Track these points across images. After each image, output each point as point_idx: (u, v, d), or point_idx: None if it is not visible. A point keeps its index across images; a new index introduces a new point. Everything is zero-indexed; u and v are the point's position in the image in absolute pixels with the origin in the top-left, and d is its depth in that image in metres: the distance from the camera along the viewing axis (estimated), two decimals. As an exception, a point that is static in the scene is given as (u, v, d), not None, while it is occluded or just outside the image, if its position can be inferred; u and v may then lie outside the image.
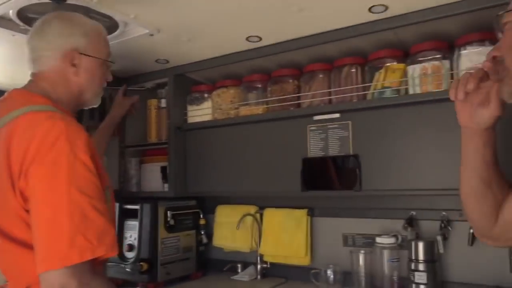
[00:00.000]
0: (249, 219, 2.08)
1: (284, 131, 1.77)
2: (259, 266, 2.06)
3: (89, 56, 1.25)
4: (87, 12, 1.40)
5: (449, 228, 1.64)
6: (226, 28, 1.56)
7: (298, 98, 1.76)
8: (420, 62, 1.47)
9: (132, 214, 1.98)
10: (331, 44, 1.61)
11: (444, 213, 1.65)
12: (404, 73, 1.52)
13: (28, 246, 1.03)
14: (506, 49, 0.80)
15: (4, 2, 1.30)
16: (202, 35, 1.62)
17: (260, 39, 1.65)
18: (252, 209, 2.10)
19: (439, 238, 1.62)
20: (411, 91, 1.49)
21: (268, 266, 2.06)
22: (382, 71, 1.55)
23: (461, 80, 0.93)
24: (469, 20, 1.37)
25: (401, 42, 1.57)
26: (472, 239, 1.56)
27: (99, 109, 2.06)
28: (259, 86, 1.88)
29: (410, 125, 1.50)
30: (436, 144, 1.45)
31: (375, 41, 1.58)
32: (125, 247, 1.96)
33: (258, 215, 2.09)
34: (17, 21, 1.42)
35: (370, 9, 1.38)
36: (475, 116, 0.95)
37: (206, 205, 2.23)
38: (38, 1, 1.29)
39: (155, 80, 2.09)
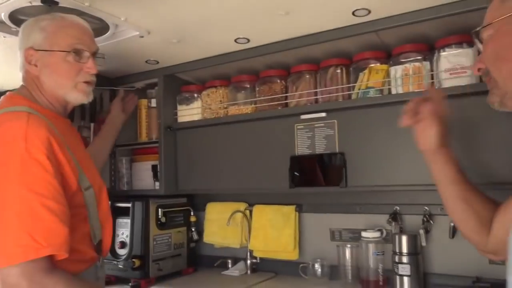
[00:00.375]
0: (238, 215, 2.12)
1: (272, 129, 1.81)
2: (249, 261, 2.10)
3: (45, 51, 1.21)
4: (79, 14, 1.42)
5: (431, 222, 1.69)
6: (215, 30, 1.59)
7: (286, 98, 1.80)
8: (402, 63, 1.52)
9: (124, 212, 2.01)
10: (317, 46, 1.66)
11: (426, 207, 1.71)
12: (387, 74, 1.57)
13: None
14: (488, 62, 0.84)
15: (-4, 6, 1.32)
16: (192, 37, 1.65)
17: (248, 40, 1.69)
18: (242, 206, 2.14)
19: (421, 231, 1.67)
20: (393, 91, 1.55)
21: (258, 261, 2.10)
22: (366, 71, 1.60)
23: (404, 108, 1.01)
24: (448, 23, 1.43)
25: (384, 44, 1.62)
26: (453, 232, 1.62)
27: (90, 109, 2.09)
28: (248, 86, 1.92)
29: (393, 123, 1.53)
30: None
31: (359, 43, 1.63)
32: (117, 245, 1.99)
33: (247, 212, 2.13)
34: (9, 23, 1.43)
35: (353, 13, 1.43)
36: (425, 138, 1.02)
37: (197, 203, 2.27)
38: (30, 4, 1.30)
39: (145, 80, 2.11)
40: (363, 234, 1.77)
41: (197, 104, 2.04)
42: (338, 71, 1.68)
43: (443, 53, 1.45)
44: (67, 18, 1.27)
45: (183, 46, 1.75)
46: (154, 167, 2.08)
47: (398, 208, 1.78)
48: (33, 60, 1.23)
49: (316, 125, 1.71)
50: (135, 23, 1.51)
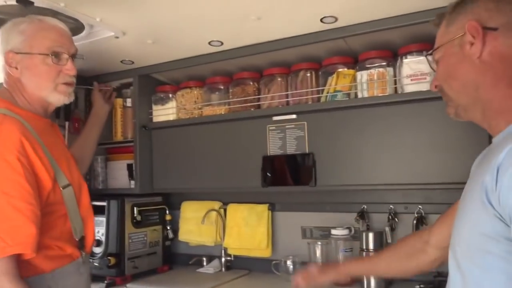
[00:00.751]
0: (213, 214, 2.16)
1: (245, 130, 1.86)
2: (223, 259, 2.14)
3: (25, 53, 1.24)
4: (54, 14, 1.43)
5: (396, 220, 1.77)
6: (189, 33, 1.62)
7: (258, 99, 1.85)
8: (368, 68, 1.59)
9: (99, 211, 2.01)
10: (288, 50, 1.71)
11: (391, 206, 1.78)
12: (354, 79, 1.64)
13: None
14: (441, 80, 0.94)
15: (-29, 5, 1.32)
16: (166, 38, 1.68)
17: (222, 43, 1.73)
18: (216, 204, 2.18)
19: (387, 229, 1.74)
20: (359, 95, 1.61)
21: (232, 258, 2.15)
22: (334, 76, 1.66)
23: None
24: (410, 32, 1.51)
25: (351, 50, 1.69)
26: (416, 229, 1.69)
27: (64, 108, 2.08)
28: (222, 87, 1.95)
29: (359, 126, 1.62)
30: (382, 143, 1.58)
31: (328, 49, 1.69)
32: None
33: (222, 210, 2.17)
34: (-17, 22, 1.44)
35: (321, 20, 1.48)
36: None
37: (172, 201, 2.30)
38: (4, 3, 1.30)
39: (121, 80, 2.12)
40: (333, 231, 1.84)
41: (172, 104, 2.07)
42: (308, 74, 1.74)
43: (405, 60, 1.53)
44: (46, 21, 1.29)
45: (158, 47, 1.77)
46: (129, 166, 2.10)
47: (365, 206, 1.85)
48: (14, 63, 1.25)
49: (287, 127, 1.76)
50: (110, 23, 1.52)
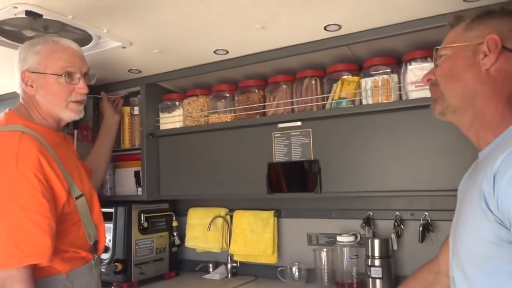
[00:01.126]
0: (219, 220, 2.17)
1: (251, 137, 1.87)
2: (229, 265, 2.14)
3: (40, 73, 1.34)
4: (62, 26, 1.47)
5: (402, 227, 1.76)
6: (194, 42, 1.64)
7: (263, 107, 1.87)
8: (372, 75, 1.60)
9: (107, 217, 2.00)
10: (293, 58, 1.72)
11: (397, 213, 1.78)
12: (358, 85, 1.64)
13: None
14: (441, 76, 0.96)
15: (-19, 18, 1.36)
16: (172, 48, 1.70)
17: (227, 52, 1.75)
18: (222, 211, 2.19)
19: (393, 236, 1.74)
20: (364, 102, 1.62)
21: (238, 265, 2.15)
22: (339, 83, 1.67)
23: None
24: (414, 38, 1.51)
25: (355, 57, 1.70)
26: (422, 236, 1.69)
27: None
28: (227, 95, 1.97)
29: (364, 132, 1.63)
30: (387, 149, 1.58)
31: (333, 56, 1.70)
32: (100, 249, 2.03)
33: (228, 217, 2.18)
34: (-6, 33, 1.48)
35: (325, 28, 1.50)
36: None
37: (179, 208, 2.32)
38: (15, 16, 1.34)
39: (128, 89, 2.15)
40: (338, 238, 1.83)
41: (178, 112, 2.09)
42: (313, 82, 1.75)
43: (409, 67, 1.53)
44: (60, 42, 1.39)
45: (165, 56, 1.79)
46: (136, 173, 2.12)
47: (371, 213, 1.84)
48: (29, 81, 1.35)
49: (292, 134, 1.78)
50: (117, 34, 1.55)
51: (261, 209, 2.09)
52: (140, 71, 2.00)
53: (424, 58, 1.49)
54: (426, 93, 1.48)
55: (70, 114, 1.40)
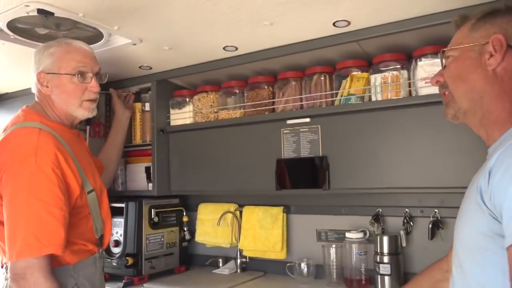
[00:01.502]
0: (229, 216, 2.18)
1: (260, 133, 1.88)
2: (238, 261, 2.16)
3: (54, 73, 1.40)
4: (74, 24, 1.50)
5: (411, 224, 1.75)
6: (204, 39, 1.65)
7: (273, 103, 1.87)
8: (381, 71, 1.59)
9: (118, 212, 2.07)
10: (302, 54, 1.72)
11: (406, 210, 1.77)
12: (368, 82, 1.64)
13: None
14: (449, 78, 0.97)
15: (-5, 16, 1.39)
16: (182, 44, 1.72)
17: (236, 48, 1.75)
18: (232, 206, 2.21)
19: (402, 232, 1.73)
20: (373, 98, 1.61)
21: (247, 260, 2.16)
22: (348, 79, 1.66)
23: None
24: (424, 34, 1.49)
25: (365, 53, 1.69)
26: (432, 233, 1.68)
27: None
28: (237, 91, 1.98)
29: (373, 129, 1.62)
30: (396, 146, 1.57)
31: (342, 52, 1.69)
32: (111, 243, 2.05)
33: (237, 212, 2.19)
34: (7, 31, 1.51)
35: (334, 24, 1.49)
36: None
37: (189, 203, 2.34)
38: (27, 14, 1.37)
39: (139, 85, 2.18)
40: (347, 235, 1.83)
41: (188, 108, 2.11)
42: (322, 78, 1.75)
43: (419, 63, 1.52)
44: (72, 44, 1.45)
45: (175, 53, 1.81)
46: (147, 169, 2.15)
47: (380, 210, 1.83)
48: (45, 82, 1.42)
49: (301, 130, 1.78)
50: (127, 31, 1.57)
51: (271, 205, 2.10)
52: (150, 68, 2.02)
53: (434, 54, 1.48)
54: (436, 89, 1.44)
55: (84, 112, 1.46)
